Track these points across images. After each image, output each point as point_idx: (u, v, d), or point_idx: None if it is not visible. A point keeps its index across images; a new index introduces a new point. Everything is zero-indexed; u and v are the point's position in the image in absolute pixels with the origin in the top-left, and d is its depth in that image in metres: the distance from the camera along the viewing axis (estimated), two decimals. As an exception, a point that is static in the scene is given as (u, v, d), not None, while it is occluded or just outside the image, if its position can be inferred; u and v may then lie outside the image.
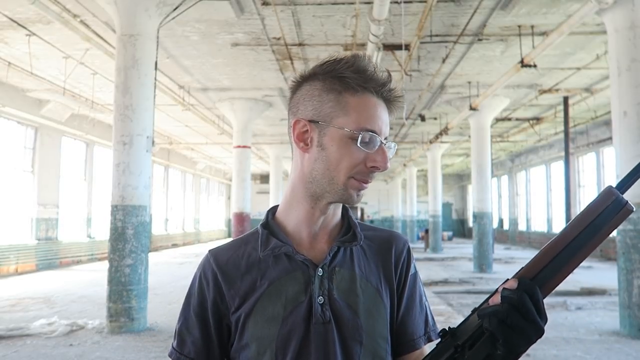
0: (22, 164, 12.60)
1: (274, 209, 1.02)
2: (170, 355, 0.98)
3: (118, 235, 6.05)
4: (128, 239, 6.04)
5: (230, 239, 1.07)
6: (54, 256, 13.29)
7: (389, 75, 0.92)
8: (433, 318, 1.05)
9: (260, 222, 1.01)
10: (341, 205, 0.99)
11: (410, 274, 1.01)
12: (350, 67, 0.89)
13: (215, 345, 0.95)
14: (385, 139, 0.91)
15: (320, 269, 0.92)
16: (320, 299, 0.91)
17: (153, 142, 6.36)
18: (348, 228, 1.00)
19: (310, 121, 0.91)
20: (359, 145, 0.88)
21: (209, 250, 1.00)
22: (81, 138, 15.01)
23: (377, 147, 0.89)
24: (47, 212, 13.16)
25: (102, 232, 15.31)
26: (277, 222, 0.98)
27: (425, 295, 1.05)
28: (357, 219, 1.03)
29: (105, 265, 6.67)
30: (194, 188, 26.39)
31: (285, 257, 0.94)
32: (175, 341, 0.97)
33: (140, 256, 6.11)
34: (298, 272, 0.92)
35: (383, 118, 0.91)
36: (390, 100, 0.93)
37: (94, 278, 10.97)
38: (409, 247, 1.03)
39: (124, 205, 6.07)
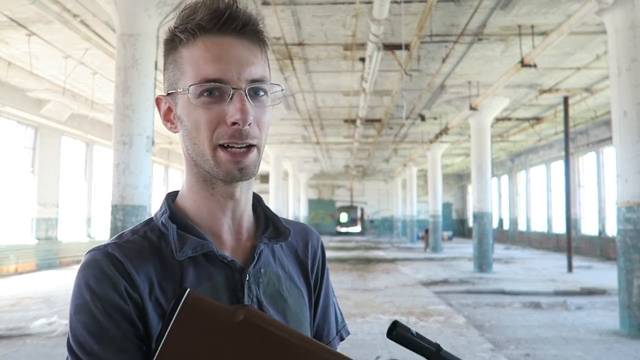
0: (22, 164, 12.59)
1: (172, 196, 0.82)
2: None
3: (118, 235, 6.04)
4: (128, 238, 6.03)
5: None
6: (54, 256, 13.29)
7: (232, 2, 0.72)
8: (342, 313, 0.94)
9: (161, 213, 0.78)
10: (251, 192, 0.82)
11: (325, 270, 0.91)
12: (180, 15, 0.74)
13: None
14: (254, 82, 0.72)
15: (247, 273, 0.76)
16: None
17: (153, 142, 6.36)
18: (265, 220, 0.85)
19: (167, 95, 0.76)
20: (199, 99, 0.71)
21: (96, 249, 0.71)
22: (81, 138, 15.01)
23: (228, 96, 0.71)
24: (47, 212, 13.16)
25: (102, 232, 15.31)
26: (184, 215, 0.78)
27: (333, 290, 0.94)
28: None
29: (105, 265, 6.66)
30: (194, 188, 26.37)
31: (202, 258, 0.75)
32: None
33: (140, 256, 6.10)
34: (221, 276, 0.75)
35: (231, 57, 0.71)
36: (237, 29, 0.72)
37: (94, 278, 10.95)
38: (322, 241, 0.93)
39: (124, 205, 6.06)
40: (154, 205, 19.89)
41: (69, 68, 9.96)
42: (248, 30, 0.73)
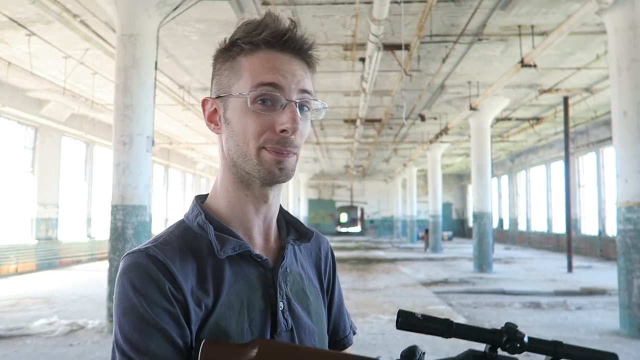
0: (22, 164, 12.59)
1: (202, 199, 0.88)
2: None
3: (118, 235, 6.05)
4: (128, 238, 6.04)
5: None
6: (54, 256, 13.28)
7: (293, 23, 0.80)
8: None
9: (195, 216, 0.83)
10: (280, 198, 0.88)
11: (336, 273, 1.00)
12: (242, 28, 0.80)
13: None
14: (302, 93, 0.79)
15: (278, 272, 0.83)
16: (281, 305, 0.81)
17: (153, 142, 6.36)
18: (286, 224, 0.92)
19: (216, 98, 0.82)
20: (253, 105, 0.77)
21: (136, 252, 0.75)
22: (81, 138, 15.00)
23: (280, 105, 0.77)
24: (47, 212, 13.16)
25: (102, 232, 15.31)
26: (217, 216, 0.83)
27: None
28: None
29: (105, 265, 6.67)
30: (194, 188, 26.39)
31: (237, 257, 0.80)
32: None
33: (140, 256, 6.09)
34: (254, 274, 0.81)
35: (287, 70, 0.78)
36: (296, 49, 0.80)
37: (94, 278, 10.96)
38: (331, 246, 1.02)
39: (124, 205, 6.07)
40: (154, 206, 19.89)
41: (69, 68, 9.96)
42: (303, 50, 0.81)
